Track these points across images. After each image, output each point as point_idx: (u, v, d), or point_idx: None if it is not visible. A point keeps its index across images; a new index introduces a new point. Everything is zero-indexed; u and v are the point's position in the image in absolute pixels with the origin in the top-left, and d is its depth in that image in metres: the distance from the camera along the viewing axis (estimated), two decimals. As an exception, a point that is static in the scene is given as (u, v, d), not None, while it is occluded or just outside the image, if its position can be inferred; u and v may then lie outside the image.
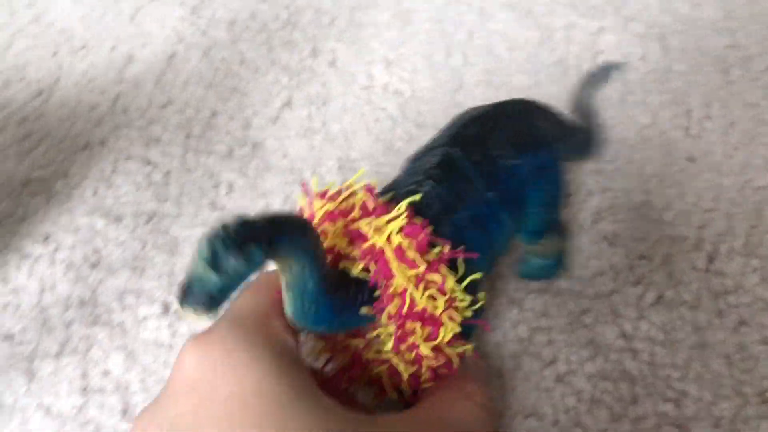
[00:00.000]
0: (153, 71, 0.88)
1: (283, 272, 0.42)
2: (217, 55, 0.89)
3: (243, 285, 0.39)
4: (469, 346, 0.49)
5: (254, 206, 0.71)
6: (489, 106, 0.54)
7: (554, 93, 0.80)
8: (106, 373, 0.58)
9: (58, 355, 0.60)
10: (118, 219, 0.70)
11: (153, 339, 0.60)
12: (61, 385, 0.58)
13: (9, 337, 0.61)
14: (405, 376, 0.49)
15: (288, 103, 0.82)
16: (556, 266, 0.61)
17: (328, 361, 0.53)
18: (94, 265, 0.66)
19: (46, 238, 0.69)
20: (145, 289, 0.64)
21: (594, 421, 0.54)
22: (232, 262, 0.36)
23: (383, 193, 0.50)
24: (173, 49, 0.91)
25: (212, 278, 0.36)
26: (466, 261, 0.48)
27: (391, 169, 0.74)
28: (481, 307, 0.49)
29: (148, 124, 0.80)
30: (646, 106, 0.78)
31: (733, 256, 0.64)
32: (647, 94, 0.80)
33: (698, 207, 0.68)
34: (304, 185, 0.53)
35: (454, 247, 0.47)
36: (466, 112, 0.55)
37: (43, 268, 0.66)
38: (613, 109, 0.78)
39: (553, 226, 0.57)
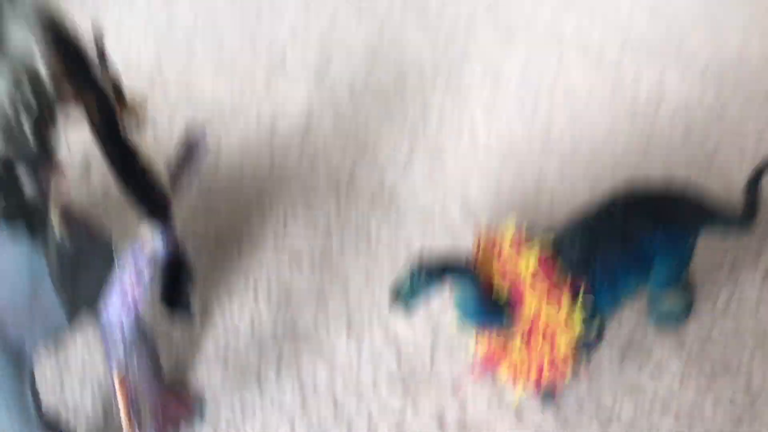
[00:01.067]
0: (296, 131, 1.08)
1: (454, 289, 0.65)
2: (345, 113, 1.09)
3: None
4: (585, 359, 0.70)
5: (398, 241, 0.91)
6: (642, 187, 0.73)
7: (627, 137, 0.98)
8: (315, 380, 0.79)
9: (277, 368, 0.81)
10: (298, 257, 0.91)
11: (345, 353, 0.81)
12: (285, 389, 0.79)
13: (236, 356, 0.82)
14: (532, 367, 0.69)
15: (410, 156, 1.02)
16: (680, 315, 0.79)
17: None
18: (287, 298, 0.87)
19: (247, 279, 0.90)
20: (331, 315, 0.85)
21: (683, 396, 0.73)
22: (421, 284, 0.62)
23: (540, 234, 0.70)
24: (308, 109, 1.11)
25: (409, 292, 0.62)
26: (591, 300, 0.67)
27: (503, 207, 0.93)
28: (599, 333, 0.69)
29: (303, 176, 1.01)
30: (709, 142, 0.96)
31: (786, 266, 0.82)
32: (708, 130, 0.97)
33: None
34: (476, 229, 0.73)
35: (580, 287, 0.67)
36: (622, 189, 0.73)
37: (250, 304, 0.87)
38: (676, 148, 0.96)
39: (679, 283, 0.75)
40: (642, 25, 1.13)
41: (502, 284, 0.67)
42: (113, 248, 0.61)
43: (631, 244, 0.69)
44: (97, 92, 0.47)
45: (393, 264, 0.88)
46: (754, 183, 0.86)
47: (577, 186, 0.94)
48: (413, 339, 0.81)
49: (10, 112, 0.40)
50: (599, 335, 0.71)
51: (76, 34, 0.45)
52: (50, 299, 0.56)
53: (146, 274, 0.55)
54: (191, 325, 0.83)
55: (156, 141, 1.06)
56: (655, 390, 0.74)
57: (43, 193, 0.46)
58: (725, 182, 0.91)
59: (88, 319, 0.60)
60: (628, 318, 0.80)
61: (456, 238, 0.90)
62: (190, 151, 0.59)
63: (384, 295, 0.86)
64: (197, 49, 1.23)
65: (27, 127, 0.40)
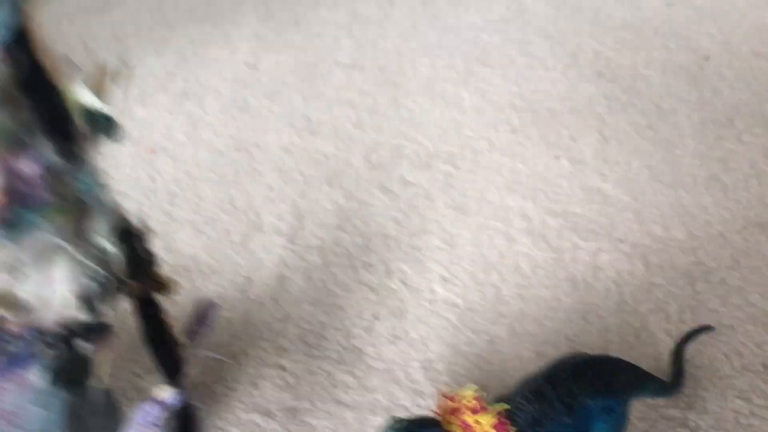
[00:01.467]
0: (270, 291, 1.18)
1: None
2: (315, 276, 1.20)
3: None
4: None
5: (365, 401, 0.99)
6: (584, 356, 0.84)
7: (569, 305, 1.11)
8: None
9: None
10: (271, 415, 0.98)
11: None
12: None
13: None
14: None
15: (375, 316, 1.12)
16: None
17: None
18: (260, 450, 0.93)
19: None
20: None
21: None
22: None
23: (495, 400, 0.80)
24: (281, 271, 1.21)
25: None
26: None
27: (460, 368, 1.03)
28: None
29: (276, 336, 1.10)
30: (638, 315, 1.09)
31: (710, 428, 0.92)
32: (638, 303, 1.11)
33: (682, 394, 0.97)
34: (437, 393, 0.81)
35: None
36: (566, 357, 0.84)
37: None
38: (612, 316, 1.09)
39: None
40: (578, 208, 1.29)
41: None
42: (117, 404, 0.68)
43: (573, 410, 0.79)
44: (149, 280, 0.57)
45: (360, 425, 0.96)
46: (678, 352, 0.99)
47: (525, 350, 1.05)
48: (378, 491, 0.88)
49: (91, 288, 0.49)
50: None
51: (141, 235, 0.56)
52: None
53: (158, 429, 0.63)
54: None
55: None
56: None
57: (92, 361, 0.55)
58: (654, 350, 1.03)
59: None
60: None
61: (418, 396, 0.99)
62: (201, 319, 0.68)
63: (351, 449, 0.93)
64: (179, 204, 1.34)
65: (100, 304, 0.50)
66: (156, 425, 0.61)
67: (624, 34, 1.79)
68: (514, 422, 0.78)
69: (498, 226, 1.27)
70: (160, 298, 0.64)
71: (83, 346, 0.52)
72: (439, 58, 1.78)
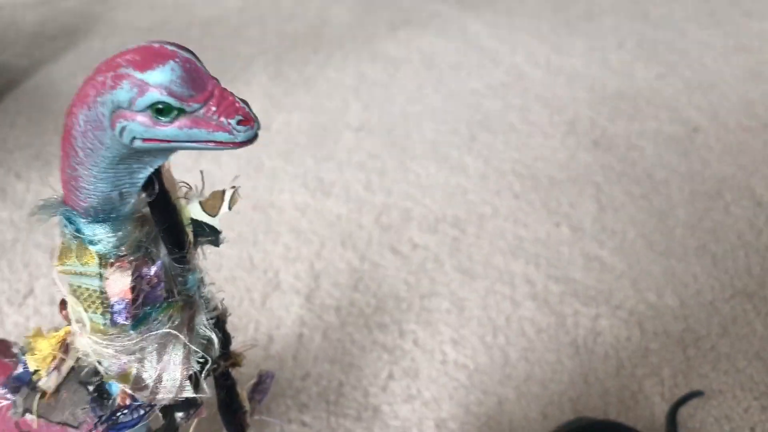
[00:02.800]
0: (290, 349, 1.25)
1: None
2: (333, 336, 1.28)
3: None
4: None
5: (384, 456, 1.06)
6: (588, 420, 0.94)
7: (571, 368, 1.19)
8: None
9: None
10: (295, 468, 1.05)
11: None
12: None
13: None
14: None
15: (391, 376, 1.20)
16: None
17: None
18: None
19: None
20: None
21: None
22: None
23: None
24: (300, 330, 1.29)
25: None
26: None
27: (471, 427, 1.10)
28: None
29: (297, 393, 1.17)
30: (635, 378, 1.17)
31: (701, 489, 1.01)
32: (634, 368, 1.19)
33: (676, 455, 1.05)
34: None
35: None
36: (572, 421, 0.93)
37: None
38: (610, 380, 1.17)
39: None
40: (578, 273, 1.38)
41: None
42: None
43: None
44: (229, 357, 0.65)
45: (379, 475, 1.04)
46: (672, 416, 1.07)
47: (531, 411, 1.13)
48: None
49: (197, 369, 0.57)
50: None
51: (225, 319, 0.64)
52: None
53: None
54: None
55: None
56: None
57: (181, 428, 0.62)
58: (650, 413, 1.12)
59: None
60: None
61: (431, 453, 1.07)
62: (260, 387, 0.76)
63: (372, 504, 1.00)
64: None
65: (203, 383, 0.58)
66: None
67: (618, 104, 1.90)
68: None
69: (504, 291, 1.35)
70: (233, 371, 0.72)
71: (179, 416, 0.60)
72: (444, 123, 1.89)
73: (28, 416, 0.59)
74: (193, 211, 0.56)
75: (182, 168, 0.68)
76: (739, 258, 1.39)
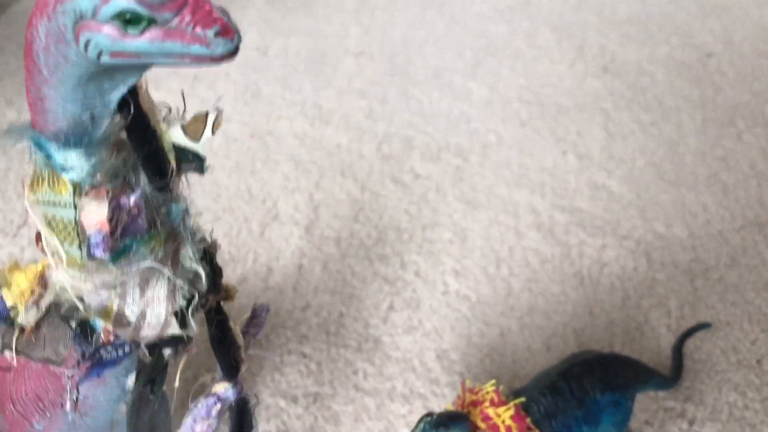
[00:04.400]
0: (289, 280, 1.23)
1: None
2: (333, 267, 1.25)
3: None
4: None
5: (383, 388, 1.05)
6: (594, 353, 0.90)
7: (575, 299, 1.17)
8: None
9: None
10: (294, 399, 1.04)
11: (341, 487, 0.93)
12: None
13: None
14: None
15: (391, 307, 1.18)
16: None
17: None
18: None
19: (248, 415, 1.02)
20: (327, 452, 0.97)
21: None
22: None
23: (511, 394, 0.86)
24: (299, 261, 1.26)
25: None
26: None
27: (473, 359, 1.09)
28: None
29: (297, 324, 1.15)
30: (641, 310, 1.15)
31: (706, 419, 0.99)
32: (640, 299, 1.17)
33: (680, 386, 1.03)
34: (462, 383, 0.86)
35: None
36: (579, 354, 0.90)
37: (252, 438, 0.99)
38: (616, 311, 1.15)
39: None
40: (585, 203, 1.34)
41: (482, 426, 0.82)
42: (168, 399, 0.73)
43: (583, 403, 0.86)
44: (220, 291, 0.62)
45: (379, 411, 1.02)
46: (678, 348, 1.05)
47: (535, 342, 1.11)
48: (399, 476, 0.94)
49: (183, 304, 0.54)
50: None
51: (215, 252, 0.61)
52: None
53: (216, 424, 0.68)
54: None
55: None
56: None
57: (170, 365, 0.60)
58: (656, 344, 1.10)
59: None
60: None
61: (434, 384, 1.05)
62: (255, 321, 0.74)
63: (372, 435, 0.99)
64: (197, 192, 1.38)
65: (190, 319, 0.55)
66: (213, 416, 0.67)
67: (628, 29, 1.83)
68: (529, 414, 0.84)
69: (507, 221, 1.32)
70: (225, 306, 0.69)
71: (167, 353, 0.57)
72: (447, 48, 1.82)
73: (7, 353, 0.56)
74: (175, 135, 0.52)
75: (176, 93, 0.64)
76: (751, 187, 1.35)
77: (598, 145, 1.47)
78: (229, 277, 1.24)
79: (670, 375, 1.03)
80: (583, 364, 0.89)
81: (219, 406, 0.67)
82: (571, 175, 1.40)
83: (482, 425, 0.82)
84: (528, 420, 0.83)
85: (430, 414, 0.78)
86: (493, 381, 0.87)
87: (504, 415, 0.82)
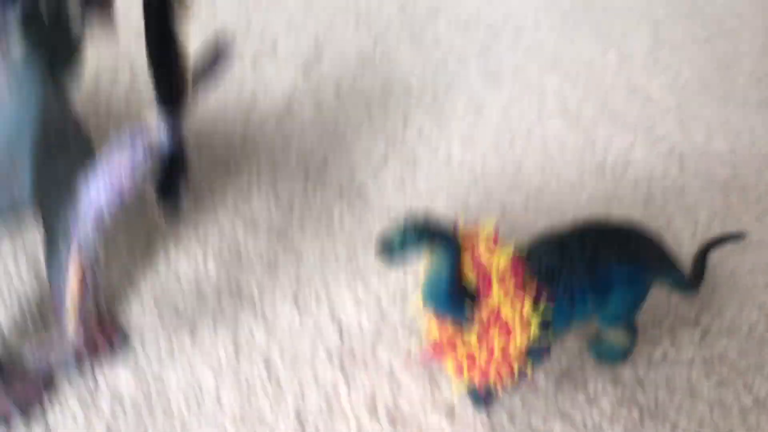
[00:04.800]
0: (275, 114, 1.08)
1: (431, 258, 0.63)
2: (327, 111, 1.10)
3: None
4: (528, 366, 0.70)
5: (358, 233, 0.91)
6: (618, 221, 0.75)
7: (593, 189, 1.02)
8: (251, 343, 0.77)
9: (214, 324, 0.78)
10: (255, 227, 0.89)
11: (287, 323, 0.79)
12: (217, 346, 0.76)
13: (174, 306, 0.79)
14: (481, 362, 0.68)
15: (384, 161, 1.03)
16: (618, 356, 0.80)
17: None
18: (237, 261, 0.85)
19: (198, 234, 0.87)
20: (279, 285, 0.83)
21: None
22: (411, 240, 0.61)
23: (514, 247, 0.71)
24: (290, 98, 1.11)
25: (396, 246, 0.61)
26: (550, 310, 0.69)
27: (466, 218, 0.94)
28: (548, 344, 0.70)
29: (273, 156, 1.00)
30: (665, 213, 1.00)
31: (722, 332, 0.85)
32: (666, 203, 1.02)
33: (697, 295, 0.89)
34: (455, 219, 0.72)
35: (542, 295, 0.68)
36: (597, 218, 0.75)
37: (197, 258, 0.85)
38: (637, 210, 1.00)
39: (627, 322, 0.76)
40: (619, 102, 1.19)
41: (472, 275, 0.67)
42: (90, 139, 0.59)
43: (594, 270, 0.71)
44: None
45: (350, 251, 0.88)
46: (703, 254, 0.90)
47: (539, 222, 0.96)
48: (358, 323, 0.80)
49: None
50: (548, 348, 0.71)
51: None
52: (22, 166, 0.53)
53: (144, 164, 0.53)
54: (178, 219, 0.80)
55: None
56: (584, 421, 0.75)
57: (84, 30, 0.45)
58: (676, 250, 0.95)
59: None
60: (570, 348, 0.81)
61: (415, 243, 0.91)
62: (213, 58, 0.58)
63: (337, 280, 0.85)
64: (191, 27, 1.23)
65: None
66: (139, 150, 0.52)
67: (696, -52, 1.65)
68: (530, 263, 0.69)
69: (531, 102, 1.17)
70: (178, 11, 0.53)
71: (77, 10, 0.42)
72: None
73: None
74: None
75: None
76: (807, 117, 1.20)
77: (643, 49, 1.31)
78: (208, 104, 1.09)
79: (691, 279, 0.88)
80: (602, 228, 0.74)
81: (146, 138, 0.52)
82: (609, 72, 1.24)
83: (471, 274, 0.67)
84: (527, 273, 0.68)
85: (414, 218, 0.62)
86: (493, 219, 0.72)
87: (499, 261, 0.67)
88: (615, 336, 0.78)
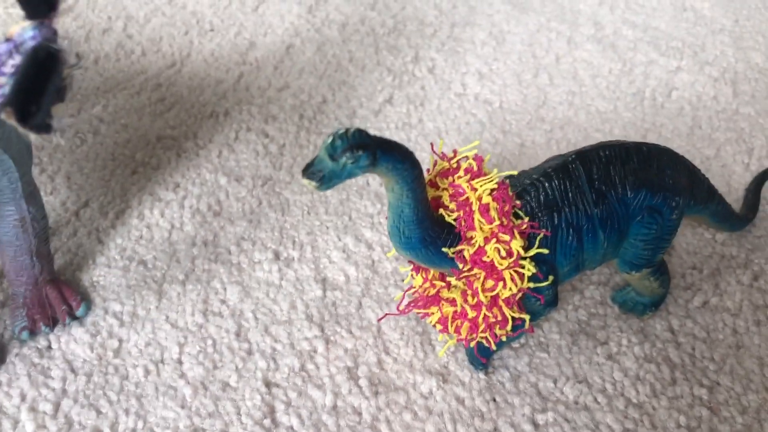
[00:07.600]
0: (272, 58, 0.99)
1: (387, 191, 0.53)
2: (329, 51, 1.00)
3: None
4: (526, 316, 0.58)
5: (354, 181, 0.81)
6: (632, 142, 0.61)
7: (629, 119, 0.89)
8: (223, 302, 0.69)
9: (184, 282, 0.70)
10: (239, 179, 0.81)
11: (265, 279, 0.71)
12: (185, 306, 0.68)
13: (142, 262, 0.72)
14: (470, 314, 0.57)
15: (389, 100, 0.92)
16: (647, 306, 0.67)
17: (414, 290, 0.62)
18: (216, 214, 0.77)
19: (176, 187, 0.80)
20: (260, 238, 0.75)
21: (636, 393, 0.62)
22: (344, 157, 0.48)
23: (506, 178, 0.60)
24: (291, 40, 1.02)
25: (328, 163, 0.49)
26: (549, 252, 0.57)
27: (478, 166, 0.83)
28: (546, 287, 0.58)
29: (267, 102, 0.91)
30: (714, 142, 0.86)
31: (776, 278, 0.72)
32: (715, 131, 0.88)
33: (749, 232, 0.76)
34: (432, 145, 0.61)
35: (537, 235, 0.57)
36: (608, 142, 0.61)
37: (173, 211, 0.77)
38: (680, 139, 0.87)
39: (651, 266, 0.62)
40: (663, 22, 1.05)
41: (450, 208, 0.56)
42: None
43: (605, 199, 0.59)
44: None
45: (342, 205, 0.79)
46: (757, 186, 0.77)
47: (562, 161, 0.84)
48: (343, 283, 0.71)
49: None
50: (552, 300, 0.60)
51: None
52: None
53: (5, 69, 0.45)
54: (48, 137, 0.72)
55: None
56: (603, 384, 0.64)
57: None
58: (724, 182, 0.82)
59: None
60: (590, 297, 0.70)
61: (417, 188, 0.81)
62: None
63: (325, 232, 0.76)
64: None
65: None
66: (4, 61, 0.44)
67: None
68: (520, 199, 0.57)
69: (560, 29, 1.04)
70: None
71: None
72: None
73: None
74: None
75: None
76: None
77: (696, -37, 1.15)
78: (203, 47, 1.01)
79: (741, 214, 0.75)
80: (614, 148, 0.61)
81: (13, 51, 0.44)
82: (654, -9, 1.10)
83: (451, 204, 0.57)
84: (515, 203, 0.57)
85: (347, 130, 0.50)
86: (476, 142, 0.61)
87: (481, 189, 0.56)
88: (641, 282, 0.65)
